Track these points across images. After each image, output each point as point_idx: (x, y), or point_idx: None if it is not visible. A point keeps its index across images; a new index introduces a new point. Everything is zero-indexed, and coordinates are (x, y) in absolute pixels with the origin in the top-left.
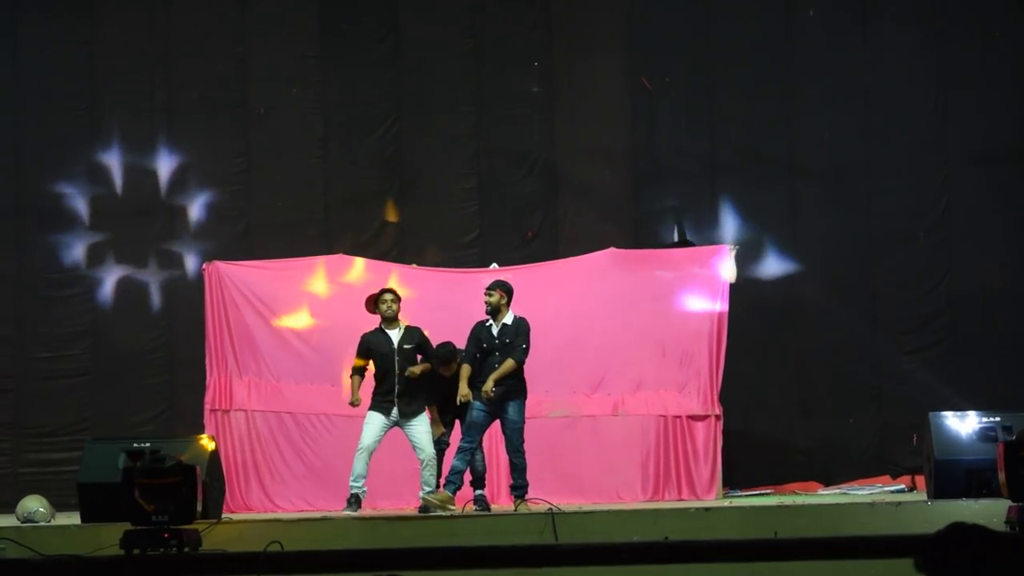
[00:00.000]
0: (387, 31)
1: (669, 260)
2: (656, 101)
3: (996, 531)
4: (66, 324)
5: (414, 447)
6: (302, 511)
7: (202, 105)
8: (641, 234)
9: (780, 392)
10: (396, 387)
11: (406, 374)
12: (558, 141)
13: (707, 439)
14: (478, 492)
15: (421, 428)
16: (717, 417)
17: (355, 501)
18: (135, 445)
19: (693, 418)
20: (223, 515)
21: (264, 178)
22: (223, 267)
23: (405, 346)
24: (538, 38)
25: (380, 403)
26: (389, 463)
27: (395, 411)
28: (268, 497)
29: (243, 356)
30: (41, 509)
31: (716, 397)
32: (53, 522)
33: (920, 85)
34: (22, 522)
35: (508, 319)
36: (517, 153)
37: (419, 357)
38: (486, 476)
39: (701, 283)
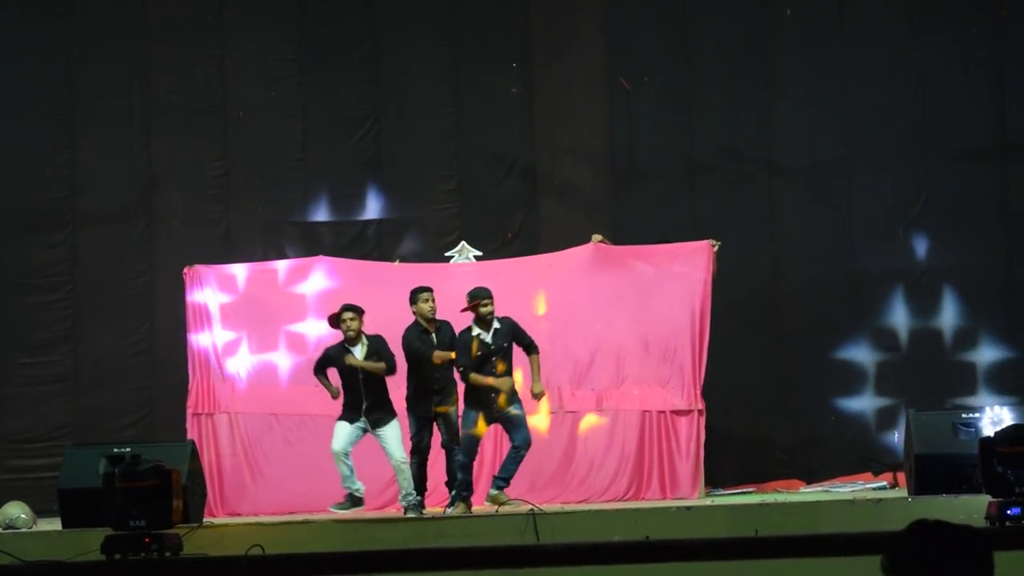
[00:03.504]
0: (366, 33)
1: (651, 255)
2: (635, 101)
3: (958, 525)
4: (46, 329)
5: (386, 453)
6: (288, 513)
7: (180, 109)
8: (621, 234)
9: (761, 390)
10: (364, 402)
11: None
12: (537, 142)
13: (690, 434)
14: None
15: (391, 434)
16: (700, 412)
17: (351, 501)
18: (116, 450)
19: (676, 413)
20: (205, 519)
21: (243, 181)
22: (203, 271)
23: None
24: (517, 39)
25: (348, 414)
26: (370, 466)
27: (363, 420)
28: (252, 500)
29: (225, 359)
30: (23, 515)
31: (699, 392)
32: (35, 528)
33: (898, 82)
34: (4, 528)
35: (496, 323)
36: (497, 154)
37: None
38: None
39: (683, 278)
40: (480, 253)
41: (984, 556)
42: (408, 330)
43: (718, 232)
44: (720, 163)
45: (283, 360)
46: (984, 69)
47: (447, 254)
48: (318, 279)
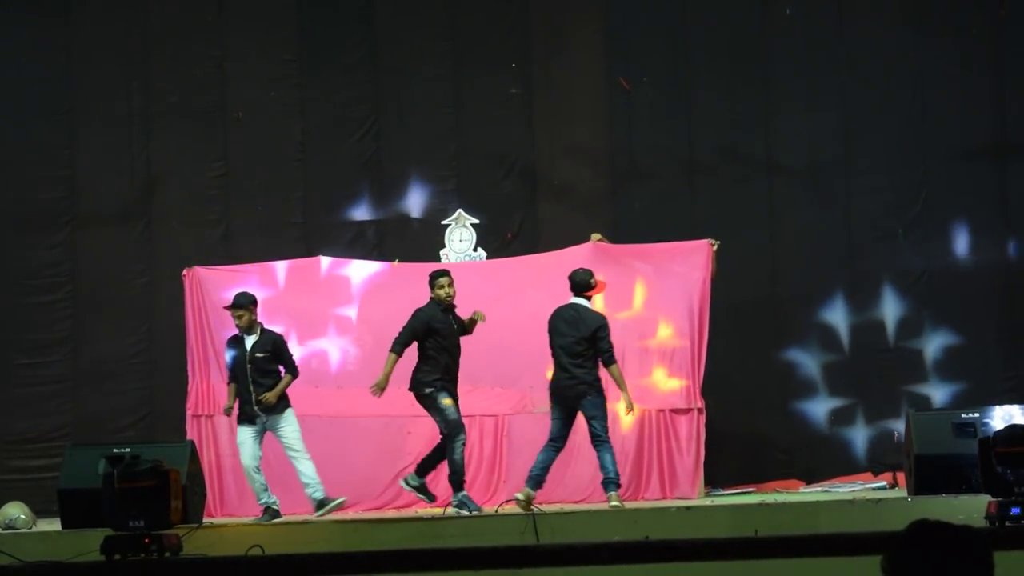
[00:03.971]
0: (366, 33)
1: (650, 255)
2: (634, 101)
3: (958, 525)
4: (46, 330)
5: (286, 449)
6: (288, 514)
7: (180, 109)
8: (620, 234)
9: (761, 390)
10: (252, 395)
11: (260, 400)
12: (537, 142)
13: (690, 433)
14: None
15: (289, 430)
16: (700, 410)
17: (269, 514)
18: (115, 450)
19: (676, 412)
20: (204, 520)
21: (243, 182)
22: (203, 272)
23: (257, 354)
24: (517, 39)
25: (243, 412)
26: (368, 467)
27: (259, 417)
28: (252, 501)
29: (225, 361)
30: (22, 516)
31: (698, 391)
32: (34, 528)
33: (898, 82)
34: (3, 529)
35: None
36: (496, 154)
37: (282, 370)
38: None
39: (682, 277)
40: (477, 221)
41: (984, 556)
42: (429, 305)
43: (718, 232)
44: (720, 163)
45: None
46: (984, 69)
47: (444, 222)
48: (317, 279)
